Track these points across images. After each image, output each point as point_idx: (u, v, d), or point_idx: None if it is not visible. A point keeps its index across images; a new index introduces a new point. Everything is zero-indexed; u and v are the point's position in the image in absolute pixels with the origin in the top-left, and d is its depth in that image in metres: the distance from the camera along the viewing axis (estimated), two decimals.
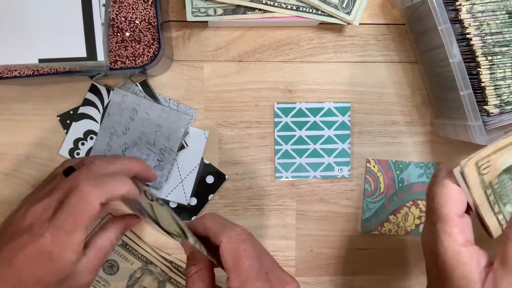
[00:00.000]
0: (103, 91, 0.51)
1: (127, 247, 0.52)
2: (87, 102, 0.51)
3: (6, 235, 0.37)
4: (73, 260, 0.36)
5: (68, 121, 0.52)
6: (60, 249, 0.35)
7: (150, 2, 0.44)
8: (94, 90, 0.51)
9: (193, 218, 0.53)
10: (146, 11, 0.44)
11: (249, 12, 0.47)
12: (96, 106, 0.51)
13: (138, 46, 0.44)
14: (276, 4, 0.46)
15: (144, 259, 0.52)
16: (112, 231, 0.42)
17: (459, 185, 0.34)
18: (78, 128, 0.52)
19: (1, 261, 0.35)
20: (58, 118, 0.52)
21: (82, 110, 0.52)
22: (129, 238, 0.52)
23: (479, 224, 0.36)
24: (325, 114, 0.53)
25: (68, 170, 0.39)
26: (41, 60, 0.41)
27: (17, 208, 0.40)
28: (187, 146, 0.52)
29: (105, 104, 0.51)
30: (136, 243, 0.52)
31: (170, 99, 0.52)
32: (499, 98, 0.44)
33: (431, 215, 0.35)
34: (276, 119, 0.52)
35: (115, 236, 0.42)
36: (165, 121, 0.51)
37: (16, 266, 0.35)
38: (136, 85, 0.51)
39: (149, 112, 0.51)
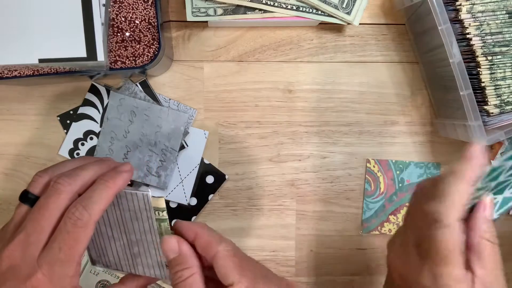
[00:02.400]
0: (103, 91, 0.51)
1: None
2: (87, 102, 0.51)
3: None
4: None
5: (68, 121, 0.52)
6: (56, 286, 0.31)
7: (150, 2, 0.44)
8: (94, 90, 0.51)
9: (193, 218, 0.53)
10: (146, 11, 0.44)
11: (249, 12, 0.47)
12: (96, 106, 0.51)
13: (138, 46, 0.44)
14: (276, 4, 0.46)
15: None
16: (130, 286, 0.39)
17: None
18: (78, 128, 0.52)
19: None
20: (58, 118, 0.52)
21: (82, 110, 0.51)
22: None
23: None
24: None
25: (24, 196, 0.35)
26: (41, 60, 0.41)
27: None
28: (187, 146, 0.52)
29: (104, 104, 0.51)
30: None
31: (170, 99, 0.52)
32: (499, 98, 0.44)
33: (430, 253, 0.34)
34: None
35: None
36: (165, 121, 0.51)
37: None
38: (136, 85, 0.51)
39: (147, 113, 0.51)
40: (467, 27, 0.43)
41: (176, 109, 0.52)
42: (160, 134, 0.51)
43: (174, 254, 0.34)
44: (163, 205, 0.34)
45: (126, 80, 0.51)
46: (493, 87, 0.44)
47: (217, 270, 0.32)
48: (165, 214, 0.34)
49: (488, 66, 0.44)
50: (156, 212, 0.34)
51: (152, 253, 0.36)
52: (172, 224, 0.36)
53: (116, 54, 0.44)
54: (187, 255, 0.34)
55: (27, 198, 0.34)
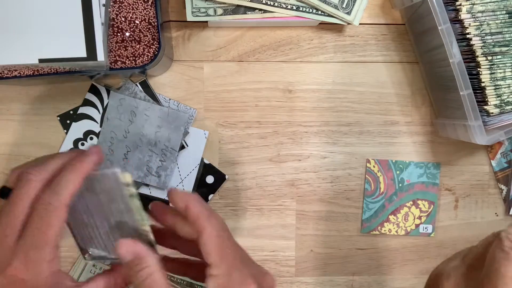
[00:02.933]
0: (103, 92, 0.51)
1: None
2: (87, 102, 0.51)
3: None
4: (48, 276, 0.32)
5: (68, 121, 0.52)
6: (34, 272, 0.31)
7: (150, 2, 0.44)
8: (94, 90, 0.51)
9: None
10: (146, 11, 0.44)
11: (249, 12, 0.47)
12: (96, 107, 0.51)
13: (138, 46, 0.44)
14: (276, 4, 0.46)
15: None
16: (100, 282, 0.37)
17: None
18: (78, 128, 0.52)
19: None
20: (58, 118, 0.52)
21: (82, 110, 0.51)
22: None
23: None
24: None
25: (4, 192, 0.35)
26: (41, 60, 0.41)
27: None
28: (187, 146, 0.52)
29: (104, 105, 0.51)
30: None
31: (170, 99, 0.52)
32: (499, 98, 0.44)
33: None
34: None
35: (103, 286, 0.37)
36: (165, 121, 0.51)
37: None
38: (136, 85, 0.51)
39: (147, 113, 0.51)
40: (467, 27, 0.43)
41: (176, 109, 0.52)
42: (160, 134, 0.51)
43: (130, 256, 0.33)
44: (129, 179, 0.33)
45: (126, 80, 0.51)
46: (493, 87, 0.44)
47: (200, 245, 0.33)
48: (132, 189, 0.33)
49: (488, 66, 0.44)
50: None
51: (132, 234, 0.36)
52: (150, 207, 0.36)
53: (116, 54, 0.44)
54: (143, 255, 0.33)
55: (4, 193, 0.35)
